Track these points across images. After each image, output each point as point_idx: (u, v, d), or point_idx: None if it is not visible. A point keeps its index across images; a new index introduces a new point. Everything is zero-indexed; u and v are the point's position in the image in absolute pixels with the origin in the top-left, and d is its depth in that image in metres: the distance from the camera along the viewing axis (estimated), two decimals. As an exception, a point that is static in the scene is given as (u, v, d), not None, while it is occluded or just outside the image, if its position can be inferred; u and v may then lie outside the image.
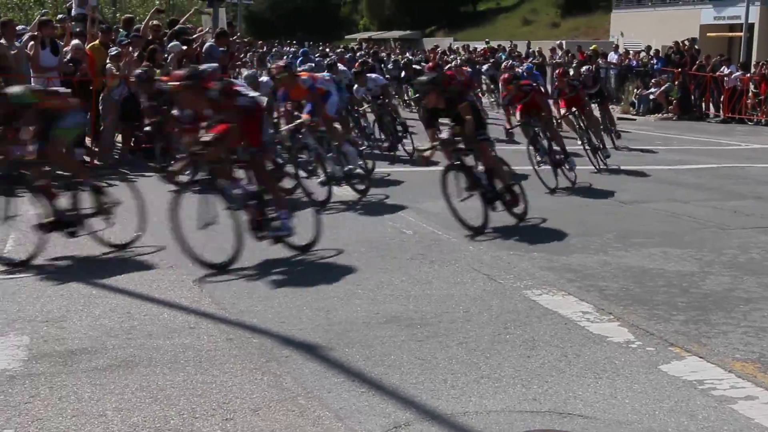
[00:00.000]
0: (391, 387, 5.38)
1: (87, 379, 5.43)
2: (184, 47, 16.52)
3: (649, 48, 32.83)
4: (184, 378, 5.47)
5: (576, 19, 56.26)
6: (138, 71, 13.48)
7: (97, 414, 4.93)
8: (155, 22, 17.74)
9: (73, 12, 18.36)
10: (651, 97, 29.24)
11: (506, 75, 16.61)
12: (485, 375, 5.61)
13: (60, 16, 18.91)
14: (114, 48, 15.11)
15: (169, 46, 16.08)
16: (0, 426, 4.79)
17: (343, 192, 12.00)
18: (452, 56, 34.05)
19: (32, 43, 14.63)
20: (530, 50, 36.57)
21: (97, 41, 15.82)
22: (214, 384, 5.38)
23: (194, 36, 18.35)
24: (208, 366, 5.67)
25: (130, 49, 15.57)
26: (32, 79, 14.29)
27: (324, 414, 4.97)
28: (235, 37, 20.30)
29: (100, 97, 15.26)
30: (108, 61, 14.99)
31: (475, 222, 9.89)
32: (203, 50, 17.09)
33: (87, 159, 14.14)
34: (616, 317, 6.89)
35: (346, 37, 68.08)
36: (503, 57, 31.55)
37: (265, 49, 37.29)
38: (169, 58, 16.07)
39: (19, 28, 16.22)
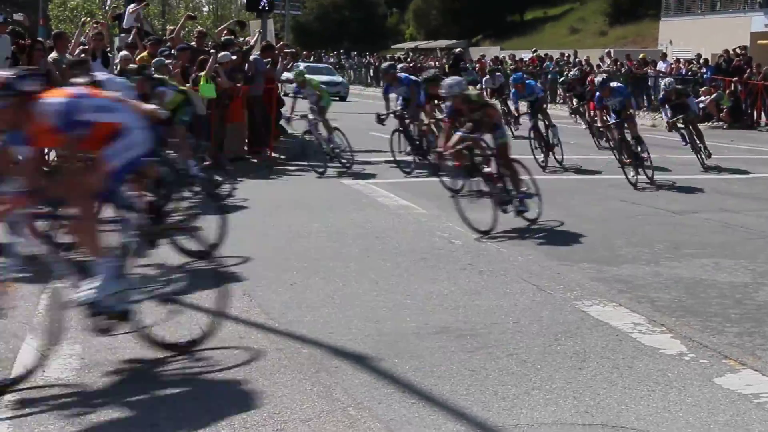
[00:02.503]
0: (441, 398, 5.35)
1: (139, 388, 5.48)
2: (234, 57, 16.72)
3: (699, 56, 32.47)
4: (234, 388, 5.49)
5: (624, 28, 55.86)
6: None
7: (148, 424, 4.96)
8: (199, 29, 17.90)
9: (124, 25, 18.64)
10: (701, 105, 28.90)
11: None
12: (536, 387, 5.57)
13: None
14: (157, 59, 15.17)
15: (219, 55, 16.22)
16: (54, 435, 4.85)
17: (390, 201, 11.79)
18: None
19: (83, 55, 14.82)
20: (576, 59, 36.37)
21: (145, 53, 15.98)
22: (264, 394, 5.39)
23: (246, 47, 18.57)
24: (258, 376, 5.69)
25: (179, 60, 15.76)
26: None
27: (374, 425, 4.96)
28: (280, 45, 20.30)
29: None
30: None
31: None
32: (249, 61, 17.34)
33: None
34: (669, 329, 6.80)
35: (393, 46, 68.28)
36: (551, 66, 31.45)
37: (311, 59, 37.33)
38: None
39: None
